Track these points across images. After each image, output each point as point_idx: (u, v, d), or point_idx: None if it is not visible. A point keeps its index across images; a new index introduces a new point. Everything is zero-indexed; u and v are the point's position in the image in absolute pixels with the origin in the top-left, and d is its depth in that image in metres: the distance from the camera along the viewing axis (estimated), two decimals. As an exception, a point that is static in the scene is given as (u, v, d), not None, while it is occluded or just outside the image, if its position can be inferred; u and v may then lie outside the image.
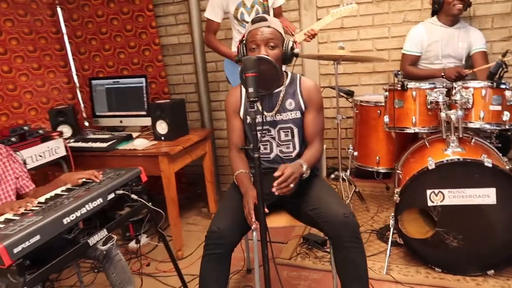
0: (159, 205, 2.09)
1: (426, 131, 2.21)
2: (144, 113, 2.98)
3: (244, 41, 1.74)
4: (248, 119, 1.81)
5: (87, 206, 1.76)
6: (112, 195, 1.94)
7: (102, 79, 3.16)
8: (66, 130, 2.88)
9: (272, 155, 1.83)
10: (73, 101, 3.42)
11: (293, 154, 1.83)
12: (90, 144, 2.69)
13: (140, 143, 2.70)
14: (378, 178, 2.95)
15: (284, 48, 1.70)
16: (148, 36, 3.36)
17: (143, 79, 2.97)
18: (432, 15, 2.80)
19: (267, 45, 1.66)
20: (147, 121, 2.92)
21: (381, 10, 3.10)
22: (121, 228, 3.02)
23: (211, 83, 3.53)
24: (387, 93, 2.27)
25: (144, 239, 2.93)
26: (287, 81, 1.80)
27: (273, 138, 1.82)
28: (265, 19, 1.67)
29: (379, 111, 2.47)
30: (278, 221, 1.79)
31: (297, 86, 1.80)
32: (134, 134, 2.93)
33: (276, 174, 1.54)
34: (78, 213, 1.69)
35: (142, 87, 2.98)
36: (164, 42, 3.64)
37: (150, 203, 2.08)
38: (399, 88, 2.17)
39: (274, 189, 1.53)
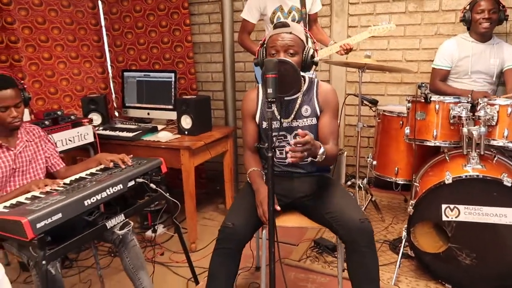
0: (177, 198, 2.16)
1: (447, 145, 2.19)
2: (171, 107, 3.06)
3: (264, 45, 1.77)
4: (264, 124, 1.85)
5: (107, 190, 1.84)
6: (132, 183, 2.02)
7: (134, 71, 3.27)
8: (96, 118, 3.00)
9: (287, 161, 1.86)
10: (105, 91, 3.55)
11: (309, 159, 1.85)
12: (117, 133, 2.79)
13: (164, 136, 2.78)
14: (397, 189, 2.93)
15: (304, 55, 1.71)
16: (182, 33, 3.46)
17: (172, 74, 3.06)
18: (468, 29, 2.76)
19: (286, 51, 1.68)
20: (173, 115, 3.01)
21: (413, 21, 3.07)
22: (139, 217, 3.12)
23: (238, 83, 3.59)
24: (409, 105, 2.26)
25: (160, 229, 3.01)
26: (304, 87, 1.82)
27: (289, 144, 1.84)
28: (287, 25, 1.69)
29: (401, 122, 2.46)
30: (289, 220, 1.82)
31: (314, 91, 1.81)
32: (160, 127, 3.02)
33: (300, 132, 1.49)
34: (99, 197, 1.78)
35: (171, 82, 3.07)
36: (196, 39, 3.73)
37: (168, 194, 2.15)
38: (422, 100, 2.16)
39: (288, 149, 1.47)
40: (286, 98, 1.79)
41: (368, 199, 2.62)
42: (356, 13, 3.21)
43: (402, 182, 2.53)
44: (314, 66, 1.77)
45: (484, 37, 2.65)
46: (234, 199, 1.82)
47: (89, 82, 3.46)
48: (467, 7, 2.64)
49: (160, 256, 2.66)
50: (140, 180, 2.06)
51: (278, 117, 1.79)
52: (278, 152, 1.86)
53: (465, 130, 2.00)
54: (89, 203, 1.72)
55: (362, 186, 2.51)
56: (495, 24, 2.61)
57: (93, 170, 2.04)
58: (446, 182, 1.91)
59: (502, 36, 2.79)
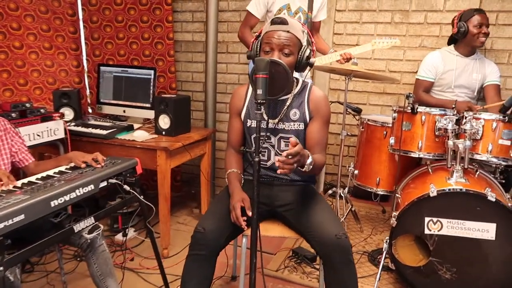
0: (150, 200, 2.04)
1: (431, 157, 2.16)
2: (148, 105, 2.93)
3: (259, 39, 1.68)
4: (249, 122, 1.77)
5: (77, 191, 1.70)
6: (104, 183, 1.88)
7: (111, 66, 3.12)
8: (68, 113, 2.84)
9: (269, 163, 1.78)
10: (79, 85, 3.38)
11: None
12: (90, 130, 2.64)
13: (140, 135, 2.65)
14: (375, 200, 2.90)
15: (299, 56, 1.64)
16: (163, 30, 3.34)
17: (151, 72, 2.93)
18: (449, 43, 2.76)
19: (281, 50, 1.60)
20: (150, 114, 2.88)
21: (398, 32, 3.07)
22: (109, 219, 2.96)
23: (219, 84, 3.49)
24: (395, 114, 2.23)
25: (131, 232, 2.87)
26: (296, 89, 1.75)
27: (272, 146, 1.76)
28: (285, 22, 1.61)
29: (385, 132, 2.43)
30: (270, 229, 1.73)
31: (306, 95, 1.74)
32: (136, 125, 2.89)
33: (292, 141, 1.40)
34: (67, 197, 1.64)
35: (150, 80, 2.94)
36: (178, 38, 3.61)
37: (142, 197, 2.03)
38: (409, 111, 2.13)
39: (276, 162, 1.38)
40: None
41: (348, 209, 2.56)
42: (342, 20, 3.18)
43: (383, 193, 2.49)
44: (308, 68, 1.69)
45: (471, 52, 2.66)
46: (210, 203, 1.72)
47: (62, 75, 3.28)
48: (457, 19, 2.61)
49: (130, 261, 2.51)
50: (113, 181, 1.93)
51: (265, 117, 1.71)
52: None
53: (450, 143, 1.97)
54: (56, 204, 1.58)
55: (343, 195, 2.46)
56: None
57: (63, 168, 1.90)
58: (431, 194, 1.87)
59: (481, 52, 2.81)
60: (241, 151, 1.51)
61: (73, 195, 1.67)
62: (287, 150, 1.73)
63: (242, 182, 1.76)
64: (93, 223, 1.80)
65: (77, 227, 1.71)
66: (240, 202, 1.58)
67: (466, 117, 1.99)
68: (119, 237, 2.80)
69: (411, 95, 2.06)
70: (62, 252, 2.14)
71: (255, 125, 1.42)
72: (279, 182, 1.79)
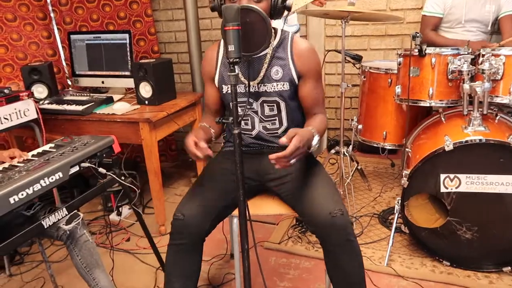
0: (145, 174, 1.82)
1: (443, 105, 1.89)
2: (127, 73, 2.66)
3: None
4: (224, 89, 1.50)
5: (42, 182, 1.49)
6: (75, 168, 1.67)
7: (81, 34, 2.81)
8: (41, 90, 2.58)
9: (254, 132, 1.53)
10: (54, 57, 3.09)
11: (280, 131, 1.52)
12: (64, 107, 2.39)
13: (120, 107, 2.40)
14: (383, 153, 2.67)
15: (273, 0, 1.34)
16: (136, -13, 2.99)
17: (126, 35, 2.63)
18: None
19: None
20: (131, 83, 2.60)
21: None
22: (102, 198, 2.78)
23: (205, 43, 3.17)
24: (401, 59, 1.93)
25: (126, 210, 2.69)
26: (275, 42, 1.45)
27: (255, 113, 1.50)
28: None
29: (389, 80, 2.14)
30: (263, 206, 1.52)
31: (288, 49, 1.45)
32: (116, 97, 2.63)
33: (282, 141, 1.20)
34: (29, 190, 1.44)
35: (126, 44, 2.64)
36: (155, -6, 3.25)
37: (125, 178, 1.85)
38: (416, 54, 1.83)
39: (273, 160, 1.19)
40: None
41: (353, 168, 2.34)
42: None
43: (391, 148, 2.25)
44: (286, 12, 1.40)
45: (480, -20, 2.31)
46: (192, 185, 1.50)
47: (33, 48, 2.98)
48: None
49: (125, 242, 2.35)
50: (86, 164, 1.71)
51: (243, 79, 1.44)
52: (243, 123, 1.53)
53: (466, 86, 1.69)
54: (17, 200, 1.38)
55: (347, 154, 2.22)
56: None
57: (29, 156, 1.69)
58: (446, 148, 1.62)
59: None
60: (218, 122, 1.25)
61: (37, 187, 1.47)
62: (271, 114, 1.51)
63: (213, 138, 1.51)
64: (67, 215, 1.60)
65: (47, 222, 1.51)
66: (192, 137, 1.31)
67: (483, 55, 1.69)
68: (113, 216, 2.63)
69: (418, 34, 1.76)
70: (42, 244, 1.96)
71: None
72: (269, 150, 1.54)
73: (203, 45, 3.10)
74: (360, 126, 2.32)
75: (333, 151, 2.29)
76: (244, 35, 1.17)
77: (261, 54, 1.42)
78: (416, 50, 1.82)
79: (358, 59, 2.29)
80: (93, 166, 1.73)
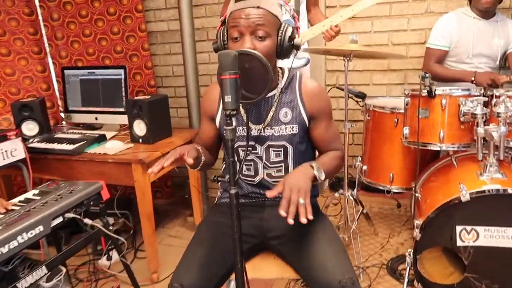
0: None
1: (455, 148, 1.76)
2: (122, 109, 2.54)
3: (225, 24, 1.28)
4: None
5: (19, 238, 1.36)
6: (59, 220, 1.53)
7: (76, 69, 2.72)
8: (32, 127, 2.46)
9: (257, 179, 1.39)
10: (48, 92, 2.98)
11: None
12: (54, 146, 2.26)
13: (113, 146, 2.27)
14: (388, 193, 2.51)
15: (279, 37, 1.23)
16: (134, 21, 2.92)
17: (121, 71, 2.53)
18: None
19: (254, 34, 1.20)
20: (126, 119, 2.48)
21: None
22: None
23: (202, 77, 3.08)
24: (408, 99, 1.82)
25: (116, 255, 2.51)
26: (283, 82, 1.34)
27: (259, 158, 1.37)
28: None
29: (396, 119, 2.02)
30: (264, 268, 1.35)
31: (297, 90, 1.34)
32: (110, 134, 2.51)
33: (269, 195, 1.13)
34: (4, 249, 1.29)
35: (121, 80, 2.53)
36: (152, 28, 3.18)
37: (117, 219, 1.69)
38: (426, 94, 1.71)
39: (283, 213, 1.09)
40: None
41: (359, 211, 2.18)
42: (332, 4, 2.73)
43: (398, 191, 2.10)
44: (294, 51, 1.29)
45: (487, 14, 2.22)
46: (188, 245, 1.33)
47: (27, 82, 2.87)
48: None
49: (115, 292, 2.18)
50: (70, 215, 1.57)
51: (246, 121, 1.32)
52: (244, 167, 1.39)
53: (480, 130, 1.57)
54: (-9, 259, 1.23)
55: (352, 198, 2.08)
56: None
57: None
58: (463, 199, 1.48)
59: (505, 11, 2.37)
60: (213, 180, 1.12)
61: (13, 243, 1.33)
62: (277, 160, 1.38)
63: (202, 161, 1.31)
64: (46, 274, 1.44)
65: (24, 284, 1.36)
66: (182, 148, 1.21)
67: (497, 97, 1.57)
68: (103, 261, 2.45)
69: (427, 75, 1.65)
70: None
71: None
72: (272, 202, 1.40)
73: (200, 79, 3.01)
74: (365, 167, 2.18)
75: (337, 194, 2.14)
76: (244, 81, 1.05)
77: (268, 95, 1.31)
78: (425, 91, 1.70)
79: (361, 96, 2.18)
80: (78, 216, 1.59)
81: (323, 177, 1.22)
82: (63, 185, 1.74)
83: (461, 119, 1.67)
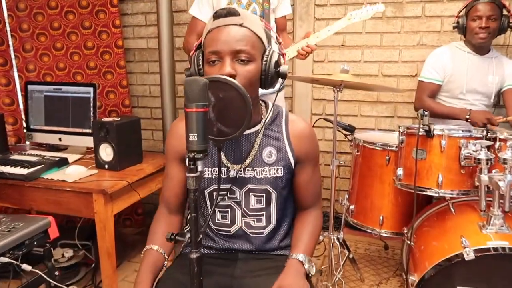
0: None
1: (454, 195, 1.57)
2: (89, 131, 2.28)
3: (201, 47, 1.08)
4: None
5: None
6: (-11, 265, 1.26)
7: (40, 84, 2.45)
8: (-14, 146, 2.18)
9: (233, 229, 1.16)
10: (11, 107, 2.71)
11: (266, 230, 1.17)
12: (6, 169, 1.98)
13: (73, 172, 2.01)
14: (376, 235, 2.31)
15: (264, 63, 1.04)
16: (110, 37, 2.70)
17: (90, 89, 2.28)
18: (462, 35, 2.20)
19: (235, 57, 1.00)
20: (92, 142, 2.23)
21: (392, 28, 2.49)
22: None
23: (180, 98, 2.86)
24: (403, 137, 1.63)
25: (73, 293, 2.21)
26: (267, 117, 1.14)
27: (238, 204, 1.15)
28: (236, 13, 1.02)
29: (387, 157, 1.83)
30: None
31: (283, 128, 1.14)
32: (75, 157, 2.24)
33: None
34: None
35: (89, 99, 2.29)
36: (130, 45, 2.97)
37: (77, 251, 1.43)
38: (423, 134, 1.53)
39: None
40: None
41: (344, 256, 1.96)
42: (323, 17, 2.58)
43: (389, 235, 1.90)
44: (280, 80, 1.10)
45: (481, 49, 2.10)
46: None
47: (-13, 96, 2.60)
48: (462, 12, 2.09)
49: None
50: (5, 259, 1.30)
51: (226, 162, 1.12)
52: (219, 215, 1.17)
53: (485, 178, 1.38)
54: None
55: (338, 243, 1.86)
56: (494, 34, 2.06)
57: None
58: (466, 257, 1.28)
59: (501, 49, 2.25)
60: (169, 239, 0.89)
61: None
62: (259, 208, 1.15)
63: (164, 268, 1.14)
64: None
65: None
66: None
67: (503, 140, 1.40)
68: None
69: (426, 113, 1.47)
70: None
71: (209, 175, 0.95)
72: (246, 255, 1.17)
73: (178, 101, 2.80)
74: (352, 206, 1.98)
75: (321, 237, 1.92)
76: (218, 113, 0.84)
77: (250, 131, 1.10)
78: (424, 130, 1.51)
79: (351, 130, 1.99)
80: (14, 262, 1.31)
81: (313, 271, 1.08)
82: (4, 220, 1.47)
83: (462, 163, 1.49)
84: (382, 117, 2.59)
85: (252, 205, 1.14)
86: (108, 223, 1.90)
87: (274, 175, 1.12)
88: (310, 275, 1.08)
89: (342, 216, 2.00)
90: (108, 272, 1.94)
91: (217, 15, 1.02)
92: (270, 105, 1.16)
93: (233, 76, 0.97)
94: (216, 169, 1.11)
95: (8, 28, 2.71)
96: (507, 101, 2.11)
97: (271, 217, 1.15)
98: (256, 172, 1.12)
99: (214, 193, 1.14)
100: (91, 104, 2.29)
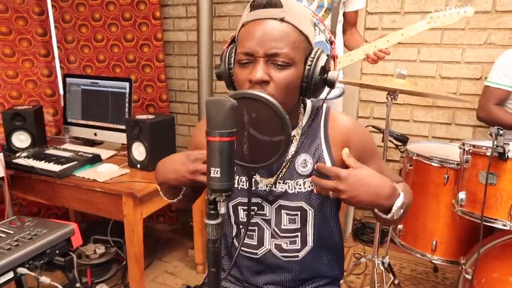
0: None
1: (528, 229, 1.31)
2: (124, 127, 2.20)
3: (235, 42, 0.91)
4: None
5: None
6: (9, 276, 1.19)
7: (78, 78, 2.40)
8: (24, 138, 2.16)
9: (261, 252, 1.00)
10: (52, 98, 2.69)
11: (301, 254, 0.99)
12: (40, 164, 1.93)
13: (105, 171, 1.93)
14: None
15: (308, 68, 0.86)
16: (150, 29, 2.60)
17: (127, 84, 2.20)
18: None
19: (270, 60, 0.83)
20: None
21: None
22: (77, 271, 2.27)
23: (219, 95, 2.72)
24: (468, 157, 1.38)
25: (102, 292, 2.16)
26: (304, 119, 0.96)
27: (267, 222, 0.98)
28: (276, 3, 0.83)
29: (446, 176, 1.58)
30: None
31: (321, 129, 0.95)
32: (109, 153, 2.18)
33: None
34: None
35: (125, 94, 2.20)
36: (170, 37, 2.85)
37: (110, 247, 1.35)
38: (496, 155, 1.28)
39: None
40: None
41: (389, 282, 1.75)
42: (376, 10, 2.33)
43: (441, 263, 1.66)
44: (327, 89, 0.91)
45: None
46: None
47: (30, 87, 2.59)
48: None
49: None
50: (24, 271, 1.22)
51: (248, 185, 0.94)
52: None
53: None
54: None
55: (382, 268, 1.66)
56: None
57: None
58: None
59: None
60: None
61: None
62: (292, 228, 0.96)
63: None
64: None
65: None
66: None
67: None
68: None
69: (501, 132, 1.22)
70: None
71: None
72: (276, 278, 1.00)
73: (217, 99, 2.65)
74: (400, 226, 1.75)
75: (363, 259, 1.71)
76: (249, 137, 0.68)
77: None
78: (497, 152, 1.27)
79: (403, 140, 1.76)
80: (32, 274, 1.23)
81: (396, 216, 0.85)
82: (27, 224, 1.40)
83: (543, 192, 1.23)
84: (438, 123, 2.32)
85: (284, 225, 0.96)
86: (137, 227, 1.81)
87: (310, 189, 0.93)
88: (393, 209, 0.84)
89: (388, 235, 1.79)
90: (135, 277, 1.86)
91: (254, 5, 0.84)
92: (309, 104, 0.97)
93: (266, 83, 0.80)
94: (243, 178, 0.94)
95: (51, 19, 2.68)
96: None
97: (307, 238, 0.97)
98: (288, 185, 0.94)
99: (240, 208, 0.98)
100: (127, 100, 2.21)
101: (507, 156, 1.26)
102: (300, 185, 0.94)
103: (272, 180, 0.93)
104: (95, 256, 2.28)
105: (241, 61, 0.85)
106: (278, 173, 0.93)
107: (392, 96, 1.52)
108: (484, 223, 1.31)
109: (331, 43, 0.91)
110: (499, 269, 1.35)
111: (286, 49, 0.81)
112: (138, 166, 1.98)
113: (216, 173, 0.60)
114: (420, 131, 2.35)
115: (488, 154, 1.30)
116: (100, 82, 2.28)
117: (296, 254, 0.98)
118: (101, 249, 2.32)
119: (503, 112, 1.87)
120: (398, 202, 0.83)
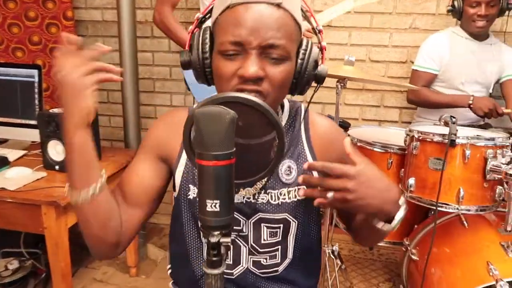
0: None
1: (472, 212, 1.36)
2: (34, 122, 1.86)
3: (212, 25, 0.75)
4: (192, 191, 0.85)
5: None
6: None
7: (-30, 64, 1.97)
8: None
9: (236, 271, 0.87)
10: None
11: (280, 268, 0.88)
12: None
13: (16, 176, 1.61)
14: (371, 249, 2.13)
15: (300, 61, 0.75)
16: (57, 6, 2.24)
17: (35, 72, 1.84)
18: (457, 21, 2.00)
19: (264, 52, 0.70)
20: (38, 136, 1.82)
21: (383, 8, 2.22)
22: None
23: (144, 80, 2.47)
24: (417, 144, 1.39)
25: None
26: (283, 119, 0.85)
27: (244, 238, 0.85)
28: None
29: (389, 160, 1.60)
30: None
31: (302, 133, 0.85)
32: (17, 154, 1.83)
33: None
34: None
35: (33, 84, 1.86)
36: (83, 16, 2.48)
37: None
38: (445, 142, 1.30)
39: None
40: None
41: (338, 266, 1.75)
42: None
43: (388, 245, 1.70)
44: (316, 85, 0.81)
45: (479, 36, 1.91)
46: None
47: None
48: None
49: None
50: None
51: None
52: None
53: (515, 195, 1.19)
54: None
55: (333, 256, 1.64)
56: (493, 20, 1.87)
57: None
58: (501, 292, 1.09)
59: (497, 35, 2.06)
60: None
61: None
62: (272, 242, 0.83)
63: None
64: None
65: None
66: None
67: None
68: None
69: (454, 119, 1.23)
70: None
71: None
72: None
73: (141, 83, 2.40)
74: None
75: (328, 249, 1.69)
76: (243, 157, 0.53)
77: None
78: (446, 139, 1.28)
79: (345, 126, 1.74)
80: None
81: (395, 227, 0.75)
82: None
83: (487, 176, 1.28)
84: (368, 106, 2.37)
85: (264, 240, 0.85)
86: (62, 240, 1.55)
87: (296, 199, 0.83)
88: (399, 211, 0.73)
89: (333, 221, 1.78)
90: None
91: None
92: (286, 104, 0.86)
93: (259, 80, 0.67)
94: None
95: None
96: (506, 92, 1.95)
97: (287, 251, 0.87)
98: (271, 196, 0.82)
99: None
100: (36, 90, 1.86)
101: (455, 143, 1.28)
102: (284, 195, 0.82)
103: (251, 190, 0.80)
104: (7, 273, 1.96)
105: (227, 52, 0.69)
106: (262, 182, 0.80)
107: (342, 84, 1.46)
108: (432, 207, 1.34)
109: (319, 32, 0.80)
110: (454, 263, 1.38)
111: (283, 40, 0.69)
112: (57, 167, 1.70)
113: (214, 206, 0.45)
114: (351, 114, 2.38)
115: (436, 140, 1.32)
116: (1, 69, 1.89)
117: (276, 269, 0.88)
118: (14, 264, 2.00)
119: (431, 92, 1.96)
120: (402, 211, 0.74)
